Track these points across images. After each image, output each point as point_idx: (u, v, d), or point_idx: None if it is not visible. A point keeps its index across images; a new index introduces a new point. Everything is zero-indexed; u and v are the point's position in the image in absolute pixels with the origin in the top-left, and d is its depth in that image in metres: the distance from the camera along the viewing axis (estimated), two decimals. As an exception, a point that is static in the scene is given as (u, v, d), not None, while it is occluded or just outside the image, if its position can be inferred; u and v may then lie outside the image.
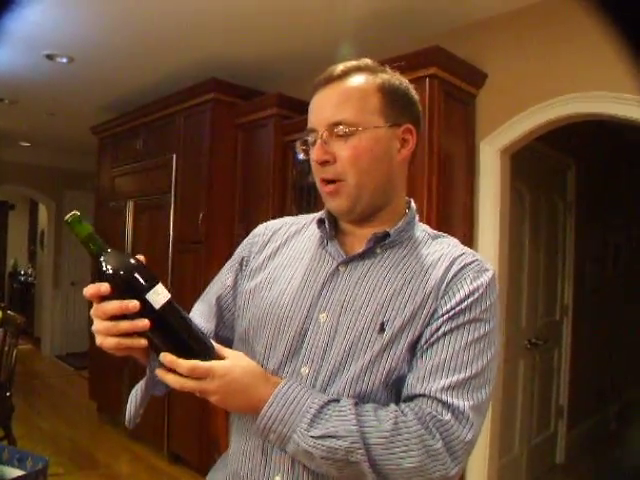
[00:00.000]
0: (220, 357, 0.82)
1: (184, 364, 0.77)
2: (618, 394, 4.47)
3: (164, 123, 3.91)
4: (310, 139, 0.95)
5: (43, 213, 7.95)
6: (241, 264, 1.06)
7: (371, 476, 0.78)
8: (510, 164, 2.77)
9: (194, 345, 0.80)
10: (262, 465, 0.89)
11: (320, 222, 0.99)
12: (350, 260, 0.94)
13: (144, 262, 0.82)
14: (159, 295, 0.79)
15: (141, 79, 3.90)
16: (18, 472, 1.03)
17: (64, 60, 3.52)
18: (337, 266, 0.94)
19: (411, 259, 0.93)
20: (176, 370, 0.78)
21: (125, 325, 0.77)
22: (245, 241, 1.11)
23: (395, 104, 0.93)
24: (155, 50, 3.36)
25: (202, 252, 3.42)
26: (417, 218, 1.01)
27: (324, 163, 0.91)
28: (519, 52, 2.58)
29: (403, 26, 2.86)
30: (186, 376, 0.78)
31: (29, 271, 9.18)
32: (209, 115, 3.51)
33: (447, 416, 0.79)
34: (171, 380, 0.79)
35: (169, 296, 0.80)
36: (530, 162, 3.11)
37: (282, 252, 1.02)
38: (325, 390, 0.87)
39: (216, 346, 0.83)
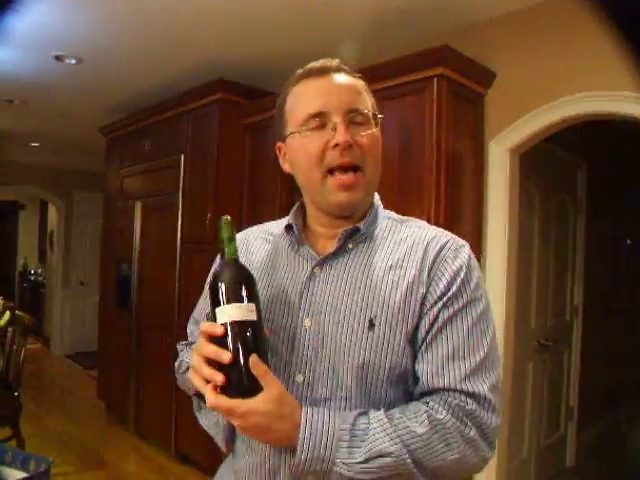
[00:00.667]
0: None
1: (210, 400, 0.77)
2: (629, 396, 4.42)
3: (172, 124, 3.92)
4: (314, 124, 0.90)
5: (53, 213, 8.00)
6: None
7: (420, 475, 0.79)
8: (519, 163, 2.75)
9: (240, 376, 0.78)
10: (273, 474, 0.88)
11: (288, 228, 0.98)
12: (324, 261, 0.92)
13: (246, 280, 0.83)
14: (226, 313, 0.79)
15: (149, 80, 3.91)
16: (21, 474, 1.03)
17: (73, 61, 3.54)
18: (312, 269, 0.92)
19: (385, 249, 0.92)
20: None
21: (207, 371, 0.78)
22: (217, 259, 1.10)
23: (375, 108, 0.96)
24: (163, 51, 3.37)
25: (209, 252, 3.42)
26: (381, 208, 1.00)
27: (349, 147, 0.87)
28: (528, 51, 2.56)
29: (411, 25, 2.84)
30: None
31: (39, 271, 9.24)
32: (216, 115, 3.51)
33: (473, 405, 0.81)
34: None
35: (240, 317, 0.79)
36: (539, 161, 3.09)
37: (255, 264, 1.00)
38: (328, 397, 0.85)
39: (261, 374, 0.77)
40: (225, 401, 0.76)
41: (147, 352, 3.98)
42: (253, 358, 0.76)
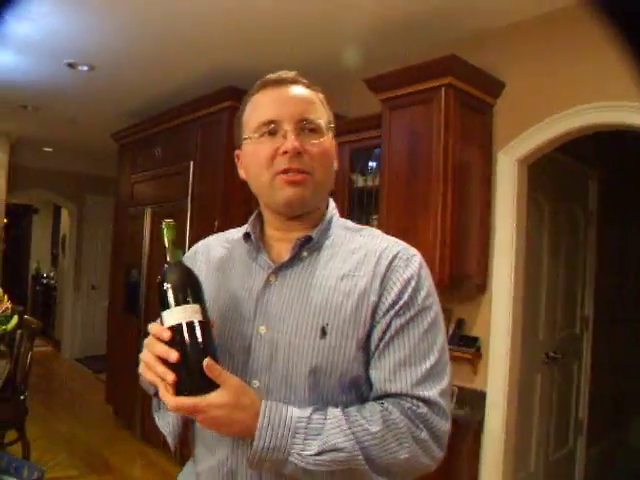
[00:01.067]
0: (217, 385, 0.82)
1: (171, 401, 0.79)
2: (635, 405, 4.35)
3: (182, 130, 3.94)
4: (266, 130, 0.94)
5: (65, 217, 8.08)
6: None
7: (369, 474, 0.83)
8: (528, 174, 2.73)
9: (189, 375, 0.80)
10: (230, 476, 0.91)
11: (246, 236, 1.00)
12: (279, 269, 0.95)
13: (190, 282, 0.85)
14: (173, 316, 0.81)
15: (160, 87, 3.94)
16: None
17: (85, 68, 3.58)
18: (268, 277, 0.95)
19: (338, 258, 0.95)
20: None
21: (160, 369, 0.80)
22: None
23: (331, 120, 1.01)
24: (174, 58, 3.40)
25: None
26: (336, 216, 1.03)
27: (298, 154, 0.91)
28: (538, 61, 2.54)
29: (419, 34, 2.84)
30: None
31: (51, 274, 9.32)
32: (226, 123, 3.52)
33: (424, 409, 0.86)
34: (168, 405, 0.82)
35: (185, 319, 0.81)
36: (549, 172, 3.06)
37: (216, 269, 1.02)
38: (283, 402, 0.87)
39: (214, 375, 0.80)
40: (188, 400, 0.78)
41: (154, 358, 3.99)
42: (207, 361, 0.78)
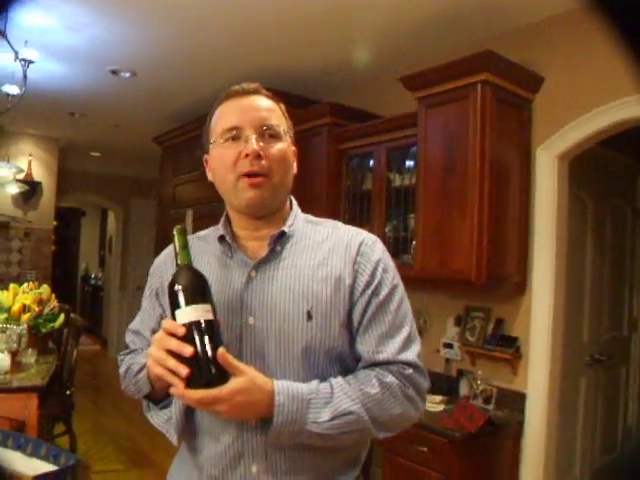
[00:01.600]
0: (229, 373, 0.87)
1: (193, 396, 0.83)
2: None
3: (222, 133, 4.00)
4: (230, 136, 1.02)
5: (112, 220, 8.34)
6: (157, 296, 1.12)
7: (372, 429, 0.95)
8: (568, 170, 2.65)
9: (200, 369, 0.84)
10: (236, 459, 0.96)
11: (221, 238, 1.07)
12: (258, 265, 1.02)
13: (201, 283, 0.90)
14: (187, 314, 0.86)
15: (200, 90, 4.02)
16: (52, 467, 1.09)
17: (127, 75, 3.69)
18: (249, 273, 1.02)
19: (309, 249, 1.05)
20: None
21: (172, 362, 0.85)
22: (151, 273, 1.18)
23: (290, 129, 1.10)
24: (212, 62, 3.46)
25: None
26: (299, 212, 1.12)
27: (257, 157, 0.99)
28: (577, 53, 2.47)
29: (455, 31, 2.80)
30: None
31: (99, 275, 9.64)
32: (263, 123, 3.56)
33: (409, 370, 0.99)
34: (190, 403, 0.88)
35: (198, 317, 0.86)
36: (592, 168, 2.97)
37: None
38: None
39: (227, 363, 0.85)
40: (209, 392, 0.83)
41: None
42: (220, 349, 0.84)
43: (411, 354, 1.01)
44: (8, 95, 3.20)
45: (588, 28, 2.44)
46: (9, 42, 2.45)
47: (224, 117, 1.04)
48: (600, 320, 3.23)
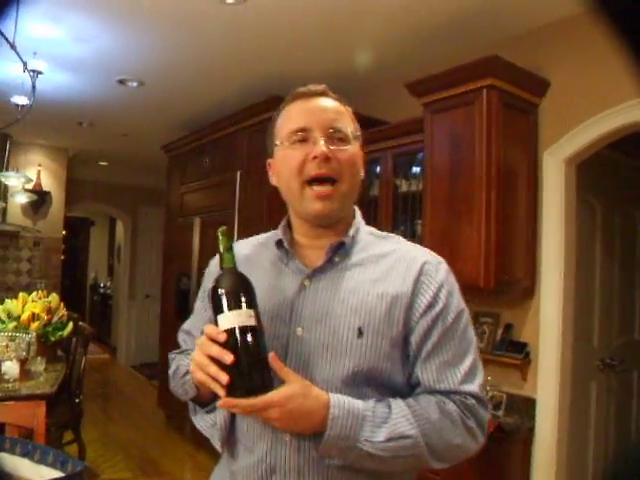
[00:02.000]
0: (282, 380, 0.85)
1: (243, 404, 0.82)
2: None
3: (229, 141, 4.03)
4: (298, 138, 0.98)
5: (120, 229, 8.38)
6: (209, 297, 1.09)
7: (428, 457, 0.90)
8: (576, 174, 2.64)
9: (241, 376, 0.82)
10: (268, 474, 0.93)
11: (279, 242, 1.04)
12: (313, 274, 0.98)
13: (245, 288, 0.88)
14: (229, 320, 0.84)
15: (207, 98, 4.05)
16: (59, 474, 1.09)
17: (135, 84, 3.73)
18: (302, 281, 0.98)
19: (369, 263, 1.00)
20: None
21: (213, 369, 0.83)
22: (206, 274, 1.16)
23: (359, 132, 1.05)
24: (219, 71, 3.49)
25: (263, 267, 3.46)
26: (363, 223, 1.08)
27: (326, 159, 0.95)
28: (584, 56, 2.47)
29: (461, 36, 2.81)
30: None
31: (108, 284, 9.67)
32: (270, 132, 3.57)
33: (472, 400, 0.94)
34: (235, 411, 0.88)
35: (240, 323, 0.83)
36: (601, 172, 2.95)
37: (248, 274, 1.04)
38: None
39: (278, 368, 0.84)
40: (259, 399, 0.81)
41: (204, 364, 4.07)
42: (272, 354, 0.83)
43: (474, 385, 0.95)
44: (17, 106, 3.24)
45: (593, 32, 2.43)
46: (18, 53, 2.47)
47: (291, 119, 1.01)
48: (610, 324, 3.20)
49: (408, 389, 0.97)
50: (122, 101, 4.11)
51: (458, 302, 0.99)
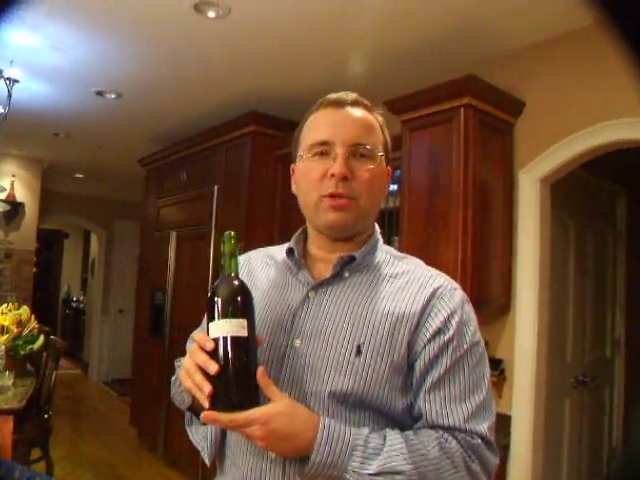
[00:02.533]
0: (267, 398, 0.82)
1: (223, 418, 0.78)
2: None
3: (207, 155, 4.02)
4: (319, 151, 0.95)
5: (95, 242, 8.25)
6: None
7: None
8: (550, 193, 2.69)
9: (226, 388, 0.80)
10: None
11: (289, 251, 1.02)
12: (319, 286, 0.96)
13: (241, 296, 0.85)
14: (218, 328, 0.81)
15: (186, 112, 4.04)
16: None
17: (112, 96, 3.70)
18: (307, 293, 0.96)
19: (380, 281, 0.95)
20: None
21: (198, 378, 0.81)
22: None
23: (388, 146, 1.02)
24: (199, 84, 3.48)
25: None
26: (381, 241, 1.04)
27: (344, 179, 0.92)
28: (558, 79, 2.53)
29: (439, 56, 2.85)
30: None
31: (81, 298, 9.49)
32: (249, 147, 3.58)
33: (477, 441, 0.86)
34: (217, 425, 0.84)
35: (230, 333, 0.80)
36: (574, 191, 3.02)
37: (255, 283, 1.02)
38: None
39: (265, 384, 0.81)
40: (244, 413, 0.78)
41: (178, 380, 4.00)
42: (260, 369, 0.80)
43: (482, 425, 0.88)
44: (-9, 115, 3.19)
45: (567, 55, 2.51)
46: (-6, 61, 2.44)
47: (315, 129, 0.97)
48: (583, 341, 3.25)
49: (409, 420, 0.91)
50: (99, 112, 4.07)
51: (473, 333, 0.92)
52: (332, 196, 0.92)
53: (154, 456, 4.27)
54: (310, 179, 0.95)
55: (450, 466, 0.83)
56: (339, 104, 0.98)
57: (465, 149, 2.46)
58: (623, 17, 0.35)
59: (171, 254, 4.33)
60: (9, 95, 2.86)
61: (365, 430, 0.83)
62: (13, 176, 5.61)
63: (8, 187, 5.43)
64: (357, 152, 0.94)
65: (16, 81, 2.92)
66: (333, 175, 0.91)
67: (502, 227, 2.65)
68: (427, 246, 2.57)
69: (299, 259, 1.00)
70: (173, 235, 4.34)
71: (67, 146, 5.20)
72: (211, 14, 2.52)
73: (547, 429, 2.67)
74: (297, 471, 0.85)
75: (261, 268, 1.06)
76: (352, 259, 0.96)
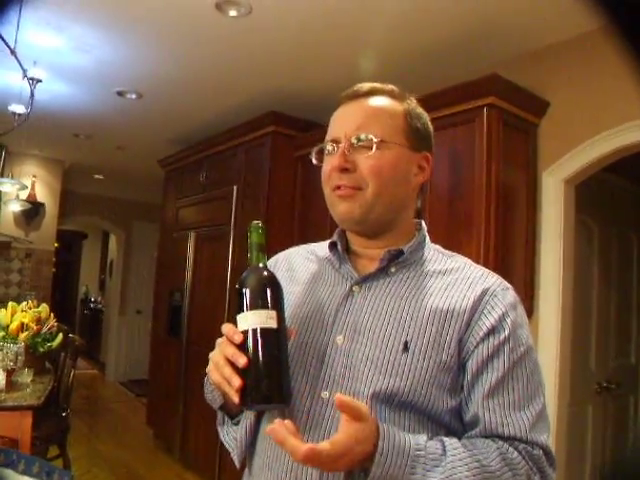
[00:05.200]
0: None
1: (300, 452, 0.70)
2: None
3: (226, 156, 4.02)
4: (329, 148, 0.95)
5: (113, 243, 8.32)
6: None
7: None
8: (575, 195, 2.64)
9: (256, 382, 0.77)
10: None
11: (332, 245, 1.00)
12: (363, 280, 0.93)
13: (270, 287, 0.82)
14: (247, 320, 0.79)
15: (205, 113, 4.05)
16: None
17: (133, 96, 3.72)
18: (351, 287, 0.92)
19: (428, 278, 0.92)
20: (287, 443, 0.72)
21: (227, 371, 0.78)
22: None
23: (417, 131, 0.96)
24: (219, 84, 3.49)
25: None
26: (428, 239, 1.01)
27: (344, 170, 0.91)
28: (584, 78, 2.48)
29: (463, 56, 2.82)
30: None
31: (99, 298, 9.58)
32: (269, 148, 3.57)
33: (539, 452, 0.82)
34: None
35: (259, 325, 0.78)
36: (599, 194, 2.96)
37: (296, 278, 1.01)
38: None
39: (346, 401, 0.73)
40: (306, 447, 0.70)
41: (195, 381, 4.00)
42: (339, 397, 0.72)
43: (543, 435, 0.83)
44: (14, 114, 3.22)
45: (593, 54, 2.46)
46: (18, 60, 2.46)
47: (330, 127, 0.98)
48: (607, 347, 3.18)
49: (455, 422, 0.86)
50: (120, 113, 4.10)
51: (527, 337, 0.88)
52: (337, 188, 0.92)
53: (170, 457, 4.27)
54: (323, 175, 0.96)
55: (512, 478, 0.78)
56: (352, 97, 0.97)
57: (488, 150, 2.42)
58: (626, 22, 0.34)
59: (190, 255, 4.34)
60: (32, 94, 2.88)
61: (423, 437, 0.78)
62: (34, 177, 5.68)
63: (29, 186, 5.49)
64: (359, 144, 0.92)
65: (39, 81, 2.94)
66: (334, 169, 0.92)
67: (525, 230, 2.60)
68: (448, 248, 2.52)
69: (342, 253, 0.97)
70: (192, 236, 4.34)
71: (87, 147, 5.26)
72: (232, 13, 2.52)
73: (570, 435, 2.62)
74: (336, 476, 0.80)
75: (302, 263, 1.05)
76: (400, 254, 0.93)
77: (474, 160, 2.46)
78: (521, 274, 2.57)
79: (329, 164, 0.94)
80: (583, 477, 2.91)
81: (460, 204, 2.51)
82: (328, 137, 0.97)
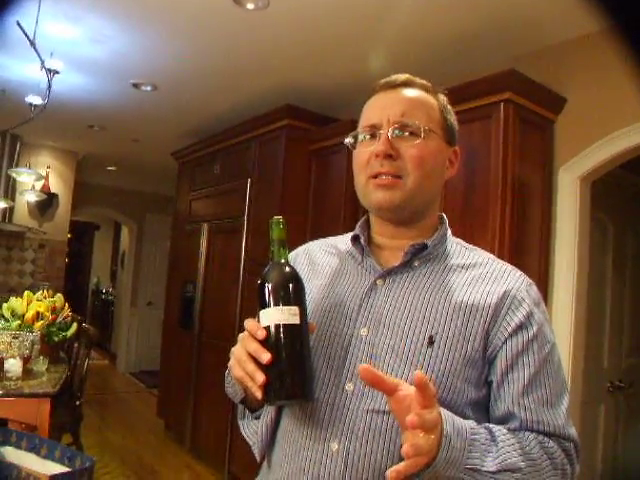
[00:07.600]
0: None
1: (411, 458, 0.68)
2: None
3: (240, 149, 4.03)
4: (366, 136, 0.94)
5: (125, 234, 8.37)
6: None
7: None
8: (591, 193, 2.62)
9: (279, 378, 0.77)
10: None
11: (355, 238, 0.99)
12: (387, 274, 0.93)
13: (292, 282, 0.82)
14: (270, 316, 0.79)
15: (220, 105, 4.06)
16: (66, 469, 1.06)
17: (148, 88, 3.74)
18: (374, 280, 0.93)
19: (452, 272, 0.92)
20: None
21: (250, 367, 0.78)
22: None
23: (449, 126, 0.98)
24: (234, 77, 3.49)
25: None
26: (450, 232, 1.01)
27: (387, 157, 0.90)
28: (601, 74, 2.46)
29: (479, 51, 2.81)
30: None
31: (110, 289, 9.65)
32: (283, 141, 3.58)
33: (569, 444, 0.85)
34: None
35: (281, 321, 0.79)
36: (614, 191, 2.94)
37: (319, 272, 1.01)
38: (375, 409, 0.83)
39: (377, 374, 0.74)
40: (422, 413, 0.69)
41: (206, 373, 4.03)
42: (364, 365, 0.73)
43: (573, 429, 0.87)
44: (31, 105, 3.24)
45: (610, 50, 2.42)
46: (37, 51, 2.48)
47: (366, 113, 0.97)
48: (621, 346, 3.16)
49: (477, 414, 0.85)
50: (134, 105, 4.12)
51: (551, 333, 0.89)
52: (377, 175, 0.91)
53: (181, 448, 4.31)
54: (359, 163, 0.95)
55: (550, 467, 0.81)
56: (389, 86, 0.97)
57: (504, 145, 2.41)
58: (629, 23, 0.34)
59: (202, 247, 4.36)
60: (49, 85, 2.90)
61: (470, 421, 0.78)
62: (48, 167, 5.72)
63: (44, 175, 5.53)
64: (405, 130, 0.91)
65: (57, 72, 2.95)
66: (377, 155, 0.90)
67: (540, 226, 2.59)
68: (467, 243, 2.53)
69: (365, 245, 0.97)
70: (205, 228, 4.36)
71: (101, 139, 5.29)
72: (250, 6, 2.52)
73: (581, 434, 2.60)
74: (363, 466, 0.80)
75: (323, 256, 1.04)
76: (423, 247, 0.93)
77: (490, 155, 2.45)
78: (535, 270, 2.56)
79: (367, 151, 0.93)
80: (594, 474, 2.91)
81: (475, 200, 2.51)
82: (365, 123, 0.95)
